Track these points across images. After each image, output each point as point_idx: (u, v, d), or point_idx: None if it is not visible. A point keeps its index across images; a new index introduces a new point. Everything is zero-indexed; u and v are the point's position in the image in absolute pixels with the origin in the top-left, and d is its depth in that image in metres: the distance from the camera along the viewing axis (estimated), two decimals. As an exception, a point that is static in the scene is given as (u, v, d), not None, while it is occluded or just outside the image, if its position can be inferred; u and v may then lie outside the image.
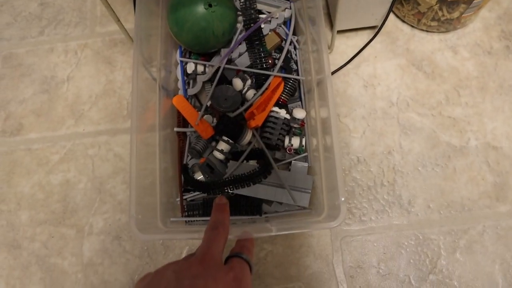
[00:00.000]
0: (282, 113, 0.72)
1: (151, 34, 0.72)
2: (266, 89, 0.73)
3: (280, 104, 0.75)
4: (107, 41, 0.91)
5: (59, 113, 0.86)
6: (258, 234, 0.53)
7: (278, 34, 0.78)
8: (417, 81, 0.82)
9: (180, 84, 0.78)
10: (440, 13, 0.80)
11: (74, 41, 0.92)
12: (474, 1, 0.76)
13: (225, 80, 0.76)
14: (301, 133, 0.74)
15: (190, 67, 0.77)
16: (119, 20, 0.71)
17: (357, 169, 0.76)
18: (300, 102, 0.76)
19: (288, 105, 0.77)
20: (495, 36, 0.86)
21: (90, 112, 0.85)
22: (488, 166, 0.76)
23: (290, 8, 0.81)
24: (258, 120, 0.70)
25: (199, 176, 0.72)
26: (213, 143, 0.75)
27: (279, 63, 0.75)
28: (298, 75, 0.77)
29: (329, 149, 0.59)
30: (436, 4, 0.78)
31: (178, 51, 0.80)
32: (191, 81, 0.79)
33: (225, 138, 0.72)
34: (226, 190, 0.68)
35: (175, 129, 0.76)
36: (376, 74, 0.82)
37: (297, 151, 0.74)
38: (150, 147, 0.66)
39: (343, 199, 0.54)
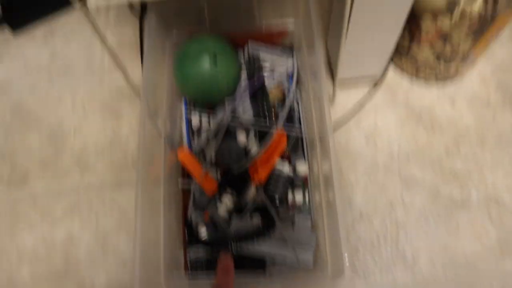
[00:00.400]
0: (285, 168, 0.73)
1: (157, 85, 0.74)
2: (270, 143, 0.74)
3: (283, 159, 0.76)
4: (114, 93, 0.93)
5: (65, 164, 0.87)
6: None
7: (281, 89, 0.80)
8: (417, 134, 0.83)
9: (185, 138, 0.80)
10: (437, 67, 0.82)
11: (82, 92, 0.94)
12: (470, 55, 0.79)
13: (229, 134, 0.78)
14: (304, 188, 0.75)
15: (195, 121, 0.79)
16: (126, 76, 0.73)
17: (360, 224, 0.77)
18: (303, 157, 0.78)
19: (291, 160, 0.78)
20: (492, 88, 0.88)
21: (96, 164, 0.86)
22: (491, 221, 0.76)
23: (293, 63, 0.83)
24: (261, 176, 0.72)
25: (203, 231, 0.72)
26: (217, 198, 0.76)
27: (283, 117, 0.76)
28: (300, 129, 0.79)
29: (332, 204, 0.60)
30: (433, 58, 0.81)
31: (183, 104, 0.82)
32: (196, 135, 0.81)
33: (229, 193, 0.73)
34: (230, 247, 0.68)
35: (180, 183, 0.77)
36: (377, 127, 0.84)
37: (300, 207, 0.74)
38: (155, 201, 0.67)
39: (346, 255, 0.54)
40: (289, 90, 0.81)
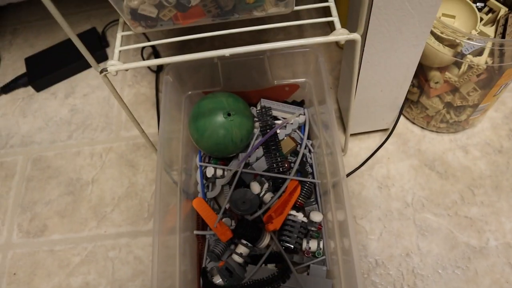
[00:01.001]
0: (300, 216, 0.73)
1: (172, 138, 0.77)
2: (283, 192, 0.75)
3: (297, 207, 0.77)
4: (130, 145, 0.96)
5: (82, 215, 0.88)
6: None
7: (293, 139, 0.82)
8: (430, 181, 0.83)
9: (199, 188, 0.81)
10: (448, 116, 0.84)
11: (100, 145, 0.97)
12: (480, 105, 0.80)
13: (243, 184, 0.79)
14: (318, 236, 0.75)
15: (209, 171, 0.80)
16: (143, 131, 0.76)
17: (376, 272, 0.76)
18: (316, 205, 0.78)
19: (305, 208, 0.78)
20: (504, 135, 0.89)
21: (113, 214, 0.87)
22: (511, 268, 0.75)
23: (304, 114, 0.85)
24: (276, 224, 0.72)
25: (218, 280, 0.72)
26: (232, 246, 0.76)
27: (295, 167, 0.78)
28: (313, 178, 0.80)
29: (347, 252, 0.59)
30: (443, 108, 0.82)
31: (198, 156, 0.84)
32: (210, 185, 0.82)
33: (243, 241, 0.73)
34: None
35: (195, 232, 0.78)
36: (390, 175, 0.84)
37: (315, 254, 0.74)
38: (171, 250, 0.68)
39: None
40: (301, 140, 0.83)
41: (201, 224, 0.79)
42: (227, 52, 0.56)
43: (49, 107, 1.06)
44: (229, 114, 0.75)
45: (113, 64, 0.58)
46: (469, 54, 0.70)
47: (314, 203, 0.78)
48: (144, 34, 1.12)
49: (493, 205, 0.81)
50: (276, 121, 0.84)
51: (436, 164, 0.85)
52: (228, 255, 0.75)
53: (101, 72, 0.58)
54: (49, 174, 0.95)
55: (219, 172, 0.81)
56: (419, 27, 0.61)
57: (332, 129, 0.67)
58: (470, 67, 0.72)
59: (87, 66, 1.10)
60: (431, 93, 0.80)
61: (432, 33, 0.71)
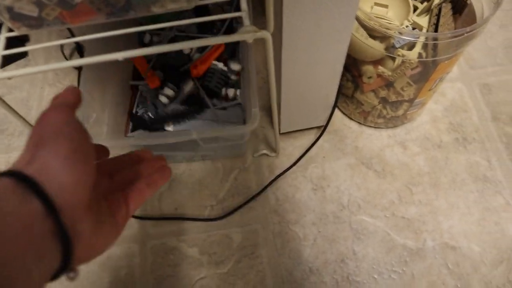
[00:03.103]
0: (220, 65, 0.83)
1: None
2: (209, 49, 0.84)
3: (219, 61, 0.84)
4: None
5: None
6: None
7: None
8: (367, 180, 0.80)
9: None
10: (384, 112, 0.80)
11: (17, 152, 0.89)
12: (416, 100, 0.77)
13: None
14: (237, 84, 0.85)
15: (146, 38, 0.87)
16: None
17: (310, 280, 0.71)
18: (237, 59, 0.87)
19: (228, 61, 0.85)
20: (444, 129, 0.86)
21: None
22: (447, 269, 0.72)
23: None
24: (199, 70, 0.81)
25: (143, 113, 0.82)
26: (160, 91, 0.83)
27: (223, 29, 0.86)
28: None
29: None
30: (379, 104, 0.78)
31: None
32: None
33: (169, 86, 0.81)
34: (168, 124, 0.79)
35: (130, 82, 0.86)
36: (325, 176, 0.80)
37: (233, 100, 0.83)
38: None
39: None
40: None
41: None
42: (119, 56, 0.49)
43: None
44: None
45: (-10, 71, 0.51)
46: (400, 47, 0.66)
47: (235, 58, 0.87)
48: (68, 29, 1.03)
49: (431, 203, 0.78)
50: None
51: (374, 162, 0.82)
52: (155, 97, 0.82)
53: (-23, 79, 0.51)
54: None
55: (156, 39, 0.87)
56: (340, 21, 0.56)
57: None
58: (402, 62, 0.67)
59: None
60: (365, 88, 0.76)
61: (361, 25, 0.66)
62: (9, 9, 0.49)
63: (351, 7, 0.54)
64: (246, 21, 0.50)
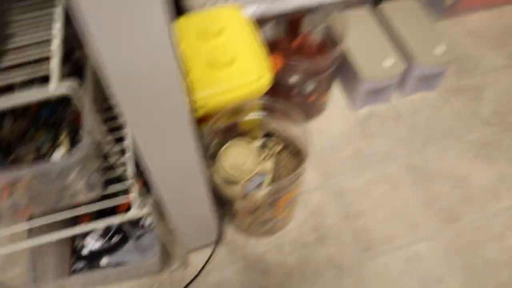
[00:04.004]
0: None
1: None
2: None
3: None
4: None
5: None
6: None
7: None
8: (253, 284, 1.07)
9: None
10: (258, 228, 1.09)
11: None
12: (276, 219, 1.07)
13: None
14: None
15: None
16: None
17: None
18: None
19: None
20: (308, 231, 1.15)
21: None
22: None
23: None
24: None
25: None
26: None
27: None
28: None
29: None
30: (253, 224, 1.08)
31: None
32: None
33: None
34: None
35: None
36: (220, 283, 1.07)
37: None
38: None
39: None
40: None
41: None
42: None
43: None
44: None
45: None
46: (251, 191, 0.97)
47: None
48: None
49: (299, 294, 1.05)
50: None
51: (257, 265, 1.09)
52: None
53: None
54: None
55: None
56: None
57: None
58: (252, 199, 0.98)
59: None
60: (238, 214, 1.06)
61: (224, 178, 0.97)
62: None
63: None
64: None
